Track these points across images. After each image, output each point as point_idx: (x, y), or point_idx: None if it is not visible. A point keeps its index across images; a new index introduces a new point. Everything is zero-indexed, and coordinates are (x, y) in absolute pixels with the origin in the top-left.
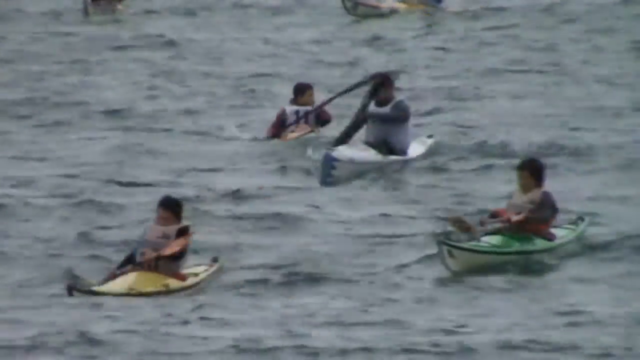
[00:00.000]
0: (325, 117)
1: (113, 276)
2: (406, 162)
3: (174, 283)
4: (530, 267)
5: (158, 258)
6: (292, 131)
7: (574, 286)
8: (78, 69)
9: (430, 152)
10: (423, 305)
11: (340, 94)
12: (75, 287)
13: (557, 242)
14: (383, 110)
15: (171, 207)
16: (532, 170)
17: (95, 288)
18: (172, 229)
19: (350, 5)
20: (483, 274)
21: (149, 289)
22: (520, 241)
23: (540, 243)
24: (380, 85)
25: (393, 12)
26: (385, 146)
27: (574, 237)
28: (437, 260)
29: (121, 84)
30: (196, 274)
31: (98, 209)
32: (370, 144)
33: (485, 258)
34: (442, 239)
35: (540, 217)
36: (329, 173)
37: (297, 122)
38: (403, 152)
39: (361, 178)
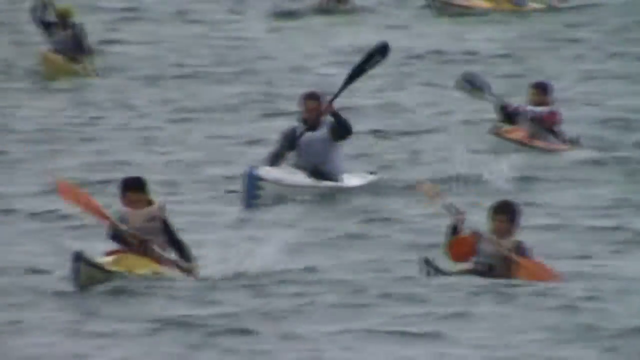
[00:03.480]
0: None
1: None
2: (341, 190)
3: (164, 271)
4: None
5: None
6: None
7: None
8: None
9: (369, 186)
10: None
11: None
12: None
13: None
14: (318, 134)
15: (140, 187)
16: (510, 214)
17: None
18: (154, 209)
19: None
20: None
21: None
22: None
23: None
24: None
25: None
26: (317, 171)
27: None
28: None
29: None
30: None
31: None
32: (301, 169)
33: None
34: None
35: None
36: (255, 194)
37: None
38: (337, 178)
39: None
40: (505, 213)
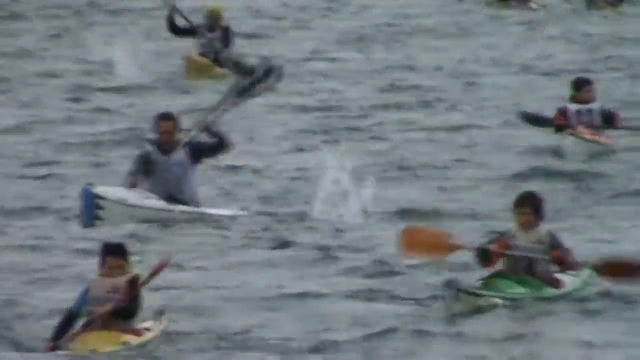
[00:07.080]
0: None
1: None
2: (200, 216)
3: (132, 339)
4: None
5: (111, 314)
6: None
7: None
8: None
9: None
10: None
11: None
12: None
13: (565, 289)
14: (173, 159)
15: (121, 253)
16: (533, 206)
17: None
18: (122, 280)
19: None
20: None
21: (109, 347)
22: (527, 285)
23: (548, 290)
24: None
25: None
26: (173, 198)
27: (580, 285)
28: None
29: None
30: (148, 329)
31: None
32: (157, 195)
33: (490, 301)
34: (452, 283)
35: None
36: (94, 213)
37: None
38: (194, 205)
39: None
40: (528, 205)
